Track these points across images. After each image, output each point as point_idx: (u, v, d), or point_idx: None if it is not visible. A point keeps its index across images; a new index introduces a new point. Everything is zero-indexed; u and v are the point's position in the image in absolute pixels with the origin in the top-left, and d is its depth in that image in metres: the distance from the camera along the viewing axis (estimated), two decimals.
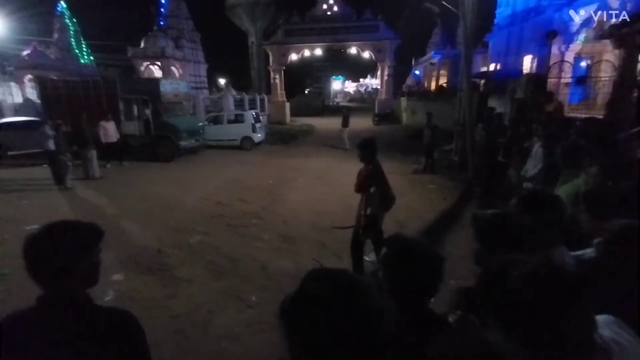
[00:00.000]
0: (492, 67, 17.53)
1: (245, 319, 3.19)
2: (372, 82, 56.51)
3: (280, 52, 24.46)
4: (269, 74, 25.57)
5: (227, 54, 38.12)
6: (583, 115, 8.06)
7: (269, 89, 26.00)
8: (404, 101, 23.37)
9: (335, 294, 0.61)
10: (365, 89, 62.51)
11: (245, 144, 13.33)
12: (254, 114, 14.17)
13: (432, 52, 26.52)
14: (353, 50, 25.11)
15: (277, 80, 25.03)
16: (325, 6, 24.07)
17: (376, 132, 19.12)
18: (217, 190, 7.69)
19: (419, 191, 7.49)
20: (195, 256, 4.47)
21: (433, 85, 26.15)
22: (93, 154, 8.78)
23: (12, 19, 24.86)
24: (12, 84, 23.61)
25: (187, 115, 13.14)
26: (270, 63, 25.02)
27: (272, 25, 25.92)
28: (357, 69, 54.98)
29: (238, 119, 13.66)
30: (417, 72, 32.15)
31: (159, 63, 25.20)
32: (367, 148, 3.40)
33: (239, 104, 18.12)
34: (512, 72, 12.22)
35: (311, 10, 24.28)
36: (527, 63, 13.89)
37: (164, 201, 6.86)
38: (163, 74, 24.30)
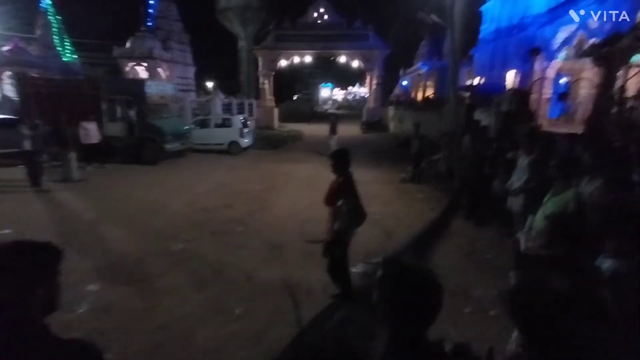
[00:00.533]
0: (476, 80, 17.99)
1: (230, 333, 3.08)
2: (360, 91, 57.20)
3: (270, 57, 24.46)
4: (258, 78, 25.50)
5: (216, 57, 37.79)
6: (563, 130, 8.33)
7: (257, 93, 25.88)
8: (391, 110, 23.68)
9: None
10: (353, 97, 63.14)
11: (233, 149, 13.17)
12: (242, 118, 14.05)
13: (420, 63, 27.05)
14: (342, 59, 25.36)
15: (266, 86, 24.98)
16: (316, 14, 24.28)
17: (364, 139, 19.24)
18: (202, 196, 7.52)
19: (406, 200, 7.52)
20: (177, 265, 4.32)
21: (420, 96, 26.63)
22: (72, 155, 8.47)
23: None
24: None
25: (173, 117, 12.90)
26: (260, 68, 24.98)
27: (262, 30, 25.92)
28: (345, 77, 55.48)
29: (225, 123, 13.51)
30: (404, 82, 32.71)
31: (145, 64, 24.72)
32: (338, 159, 3.24)
33: (227, 108, 17.95)
34: (496, 86, 12.57)
35: (302, 17, 24.45)
36: (510, 78, 14.32)
37: (146, 206, 6.65)
38: (149, 76, 23.84)
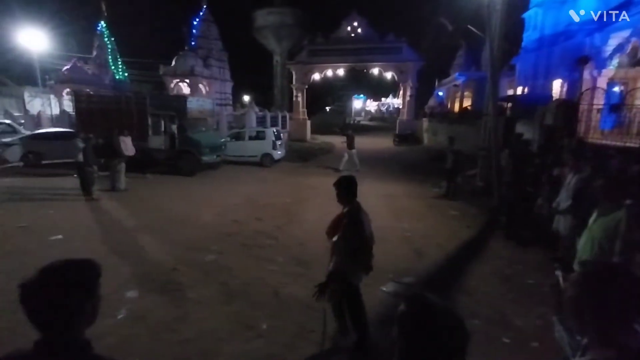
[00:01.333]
0: (519, 90, 17.17)
1: (255, 349, 3.07)
2: (394, 102, 56.58)
3: (304, 71, 25.05)
4: (292, 91, 26.13)
5: (252, 72, 39.38)
6: (616, 143, 7.67)
7: (291, 106, 26.49)
8: (425, 122, 23.18)
9: None
10: (386, 109, 62.64)
11: (265, 161, 13.48)
12: (275, 131, 14.39)
13: (456, 74, 26.33)
14: (375, 71, 25.37)
15: (300, 99, 25.52)
16: (349, 28, 24.61)
17: (396, 152, 18.94)
18: (234, 207, 7.72)
19: (439, 217, 7.23)
20: (208, 276, 4.42)
21: (457, 107, 25.85)
22: (123, 166, 9.08)
23: (54, 35, 26.87)
24: (52, 96, 25.24)
25: (210, 131, 13.49)
26: (294, 81, 25.62)
27: (297, 46, 26.69)
28: (378, 89, 55.25)
29: (259, 136, 13.90)
30: (440, 93, 31.96)
31: (187, 81, 26.28)
32: (342, 187, 2.83)
33: (261, 121, 18.49)
34: (540, 97, 11.88)
35: (335, 31, 24.88)
36: (557, 87, 13.50)
37: (182, 216, 6.93)
38: (191, 91, 25.29)
